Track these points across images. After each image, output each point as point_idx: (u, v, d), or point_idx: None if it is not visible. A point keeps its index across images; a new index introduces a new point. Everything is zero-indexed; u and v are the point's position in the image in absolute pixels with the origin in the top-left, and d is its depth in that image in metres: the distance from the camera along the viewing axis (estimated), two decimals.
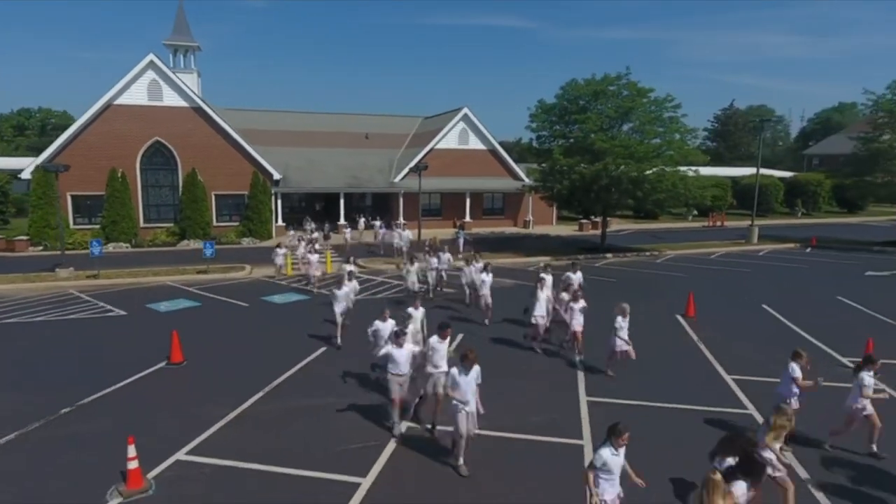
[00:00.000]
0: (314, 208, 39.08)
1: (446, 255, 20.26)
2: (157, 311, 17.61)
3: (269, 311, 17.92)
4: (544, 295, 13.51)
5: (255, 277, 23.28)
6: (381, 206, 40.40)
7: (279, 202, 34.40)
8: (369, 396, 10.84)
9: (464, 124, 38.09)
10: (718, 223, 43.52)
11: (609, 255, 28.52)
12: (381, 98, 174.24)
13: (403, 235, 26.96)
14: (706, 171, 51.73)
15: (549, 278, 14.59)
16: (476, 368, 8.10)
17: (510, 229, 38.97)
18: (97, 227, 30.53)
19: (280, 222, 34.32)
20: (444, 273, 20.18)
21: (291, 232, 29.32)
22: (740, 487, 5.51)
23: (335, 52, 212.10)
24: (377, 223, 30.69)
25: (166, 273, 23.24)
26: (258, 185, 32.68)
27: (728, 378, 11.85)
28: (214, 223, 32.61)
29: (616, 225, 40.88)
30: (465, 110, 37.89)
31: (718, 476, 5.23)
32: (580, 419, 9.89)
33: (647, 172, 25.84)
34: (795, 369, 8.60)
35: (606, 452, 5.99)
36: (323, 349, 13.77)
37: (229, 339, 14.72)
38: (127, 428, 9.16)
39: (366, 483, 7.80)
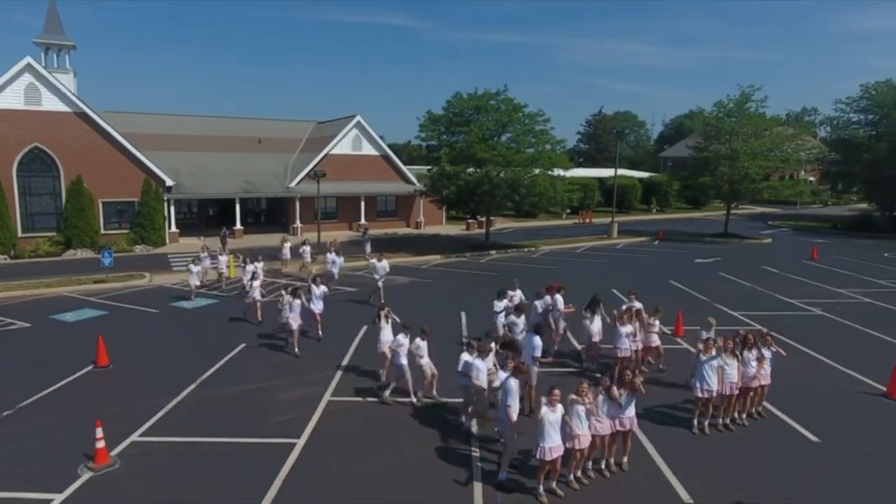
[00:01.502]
0: (208, 213, 39.07)
1: (518, 293, 16.07)
2: (65, 322, 18.04)
3: (181, 316, 18.96)
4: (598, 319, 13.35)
5: (158, 284, 23.80)
6: (277, 210, 41.19)
7: (172, 208, 34.28)
8: (289, 382, 12.80)
9: (357, 131, 39.97)
10: (588, 220, 48.99)
11: (493, 251, 31.94)
12: (269, 95, 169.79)
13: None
14: (578, 172, 57.78)
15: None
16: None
17: (403, 230, 41.48)
18: None
19: (173, 228, 34.23)
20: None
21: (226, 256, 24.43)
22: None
23: (218, 48, 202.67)
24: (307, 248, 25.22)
25: (60, 284, 23.06)
26: (150, 192, 32.46)
27: (574, 342, 15.20)
28: (103, 231, 31.93)
29: (500, 224, 44.77)
30: (358, 118, 39.81)
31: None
32: None
33: (523, 179, 29.42)
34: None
35: (545, 409, 8.19)
36: (242, 346, 15.36)
37: (148, 343, 15.81)
38: (74, 421, 10.52)
39: (300, 442, 9.91)
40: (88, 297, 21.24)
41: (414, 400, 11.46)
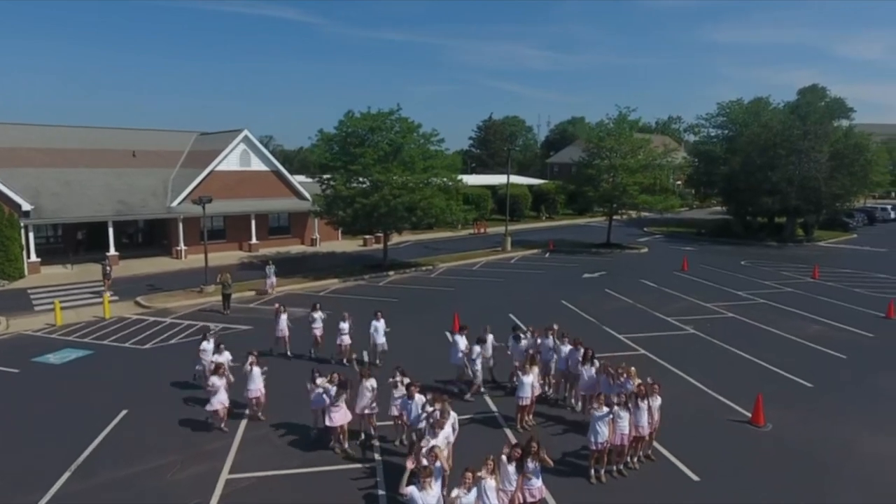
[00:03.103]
0: (75, 238, 35.30)
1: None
2: None
3: (47, 374, 16.90)
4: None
5: (17, 332, 21.13)
6: (157, 231, 38.13)
7: (31, 234, 30.64)
8: (180, 458, 11.90)
9: (244, 146, 38.00)
10: (482, 230, 50.26)
11: (391, 272, 31.76)
12: (145, 97, 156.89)
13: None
14: (472, 180, 59.14)
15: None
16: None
17: (297, 248, 40.14)
18: None
19: (33, 258, 30.63)
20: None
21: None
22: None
23: (86, 41, 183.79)
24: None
25: None
26: (2, 219, 28.75)
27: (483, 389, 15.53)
28: None
29: (396, 238, 44.57)
30: (246, 132, 37.86)
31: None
32: None
33: (420, 202, 29.47)
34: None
35: (458, 491, 8.14)
36: (123, 413, 14.02)
37: (6, 415, 13.99)
38: None
39: None
40: None
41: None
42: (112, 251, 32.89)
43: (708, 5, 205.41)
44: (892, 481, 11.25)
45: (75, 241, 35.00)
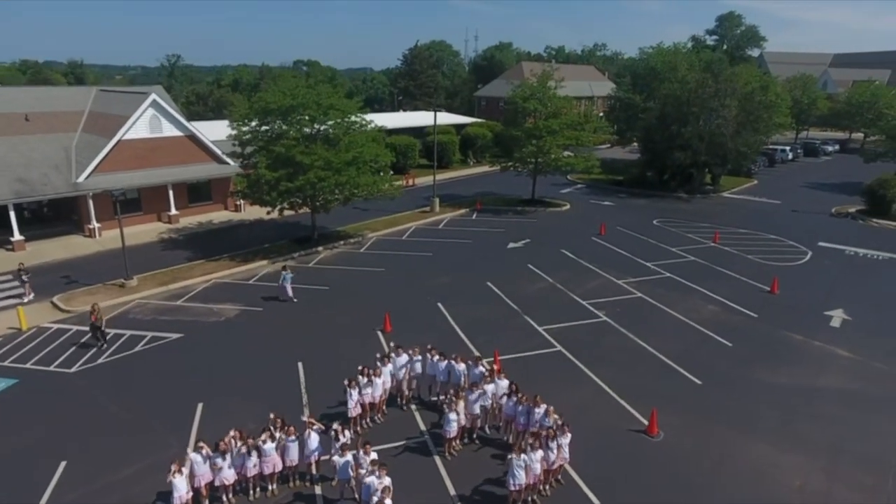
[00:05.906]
0: None
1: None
2: None
3: None
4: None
5: None
6: (65, 206, 35.59)
7: None
8: None
9: (153, 111, 35.36)
10: (411, 182, 50.24)
11: (320, 248, 31.81)
12: None
13: None
14: (399, 120, 58.25)
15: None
16: None
17: (220, 216, 38.90)
18: None
19: None
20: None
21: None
22: None
23: None
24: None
25: None
26: None
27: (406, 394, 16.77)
28: None
29: None
30: (154, 96, 35.09)
31: None
32: None
33: (347, 184, 29.25)
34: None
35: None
36: (63, 465, 14.17)
37: None
38: None
39: None
40: None
41: None
42: (17, 236, 30.92)
43: None
44: (760, 495, 13.49)
45: None
